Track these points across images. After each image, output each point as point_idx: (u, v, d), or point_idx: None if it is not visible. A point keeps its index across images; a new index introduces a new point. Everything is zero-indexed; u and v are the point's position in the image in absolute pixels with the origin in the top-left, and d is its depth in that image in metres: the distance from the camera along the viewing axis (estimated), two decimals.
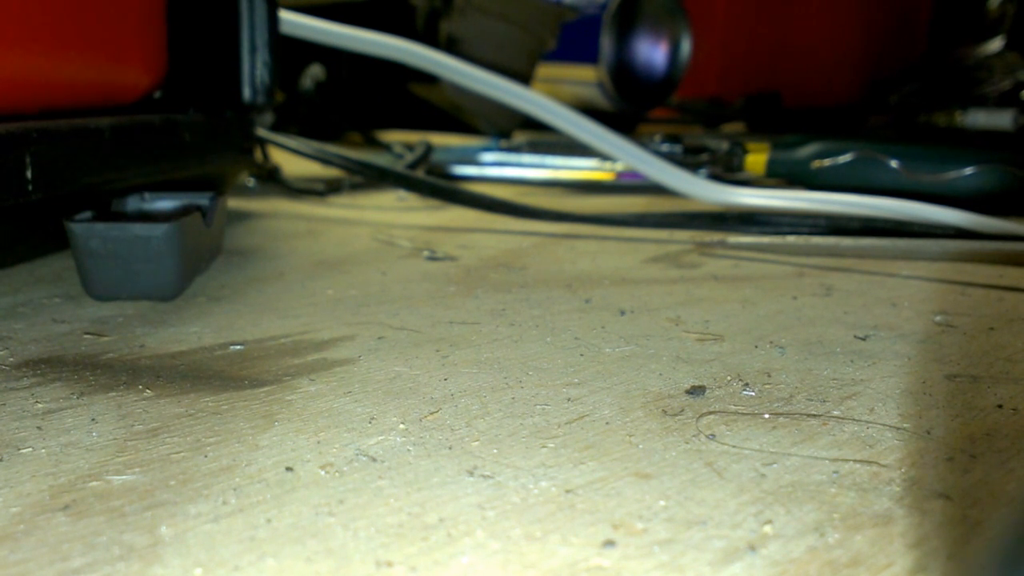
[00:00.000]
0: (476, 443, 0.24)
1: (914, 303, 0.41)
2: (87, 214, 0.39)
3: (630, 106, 1.39)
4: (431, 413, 0.26)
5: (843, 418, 0.26)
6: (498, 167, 0.87)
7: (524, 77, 1.07)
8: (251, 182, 0.78)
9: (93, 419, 0.25)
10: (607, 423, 0.26)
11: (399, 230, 0.59)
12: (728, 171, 0.80)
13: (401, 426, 0.25)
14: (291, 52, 0.99)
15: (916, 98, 1.33)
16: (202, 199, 0.45)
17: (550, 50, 1.14)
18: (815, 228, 0.57)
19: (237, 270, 0.45)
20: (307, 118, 1.04)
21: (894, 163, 0.70)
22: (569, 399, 0.28)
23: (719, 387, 0.29)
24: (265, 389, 0.28)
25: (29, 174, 0.36)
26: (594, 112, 0.95)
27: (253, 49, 0.54)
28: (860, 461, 0.23)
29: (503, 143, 1.03)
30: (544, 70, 1.21)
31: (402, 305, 0.39)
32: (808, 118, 1.54)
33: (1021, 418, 0.26)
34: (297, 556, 0.18)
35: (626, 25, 1.35)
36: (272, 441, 0.24)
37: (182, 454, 0.23)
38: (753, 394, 0.28)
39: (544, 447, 0.24)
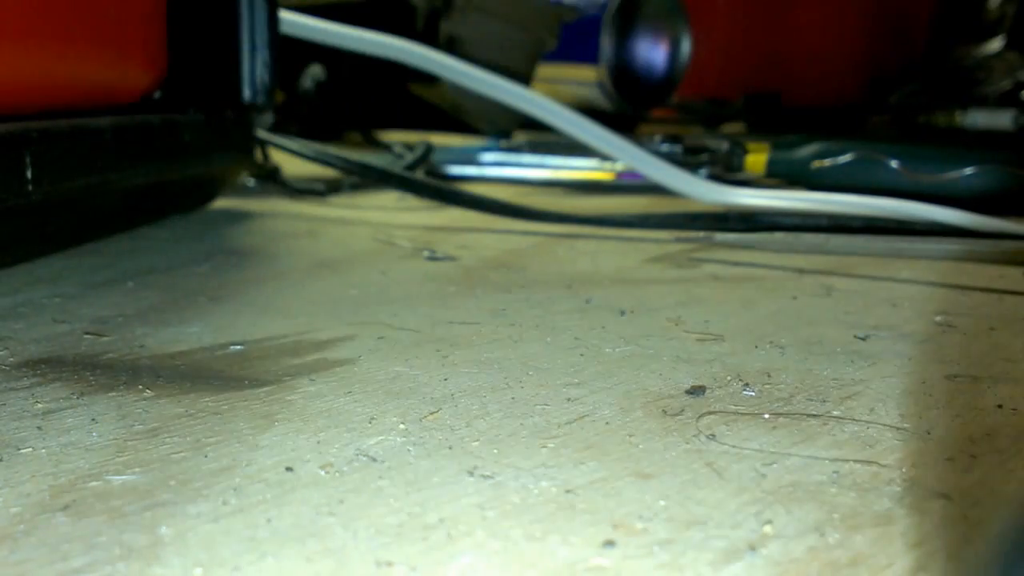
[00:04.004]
0: (476, 443, 0.24)
1: (914, 303, 0.41)
2: None
3: (630, 106, 1.39)
4: (431, 413, 0.26)
5: (843, 418, 0.26)
6: (498, 167, 0.87)
7: (524, 77, 1.07)
8: (251, 182, 0.78)
9: (93, 419, 0.25)
10: (607, 423, 0.26)
11: (399, 230, 0.59)
12: (728, 171, 0.80)
13: (401, 426, 0.25)
14: (291, 52, 0.98)
15: (916, 98, 1.33)
16: None
17: (550, 50, 1.14)
18: (815, 228, 0.57)
19: (237, 270, 0.45)
20: (307, 118, 1.03)
21: (894, 163, 0.70)
22: (569, 399, 0.28)
23: (719, 387, 0.29)
24: (265, 389, 0.28)
25: (29, 174, 0.36)
26: (594, 112, 0.95)
27: (253, 49, 0.54)
28: (860, 461, 0.23)
29: (503, 143, 1.03)
30: (544, 70, 1.20)
31: (402, 305, 0.39)
32: (808, 118, 1.54)
33: (1021, 418, 0.26)
34: (297, 556, 0.18)
35: (626, 25, 1.35)
36: (272, 441, 0.24)
37: (182, 454, 0.23)
38: (753, 394, 0.28)
39: (544, 447, 0.24)
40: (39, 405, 0.26)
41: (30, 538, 0.19)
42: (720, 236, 0.53)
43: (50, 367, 0.30)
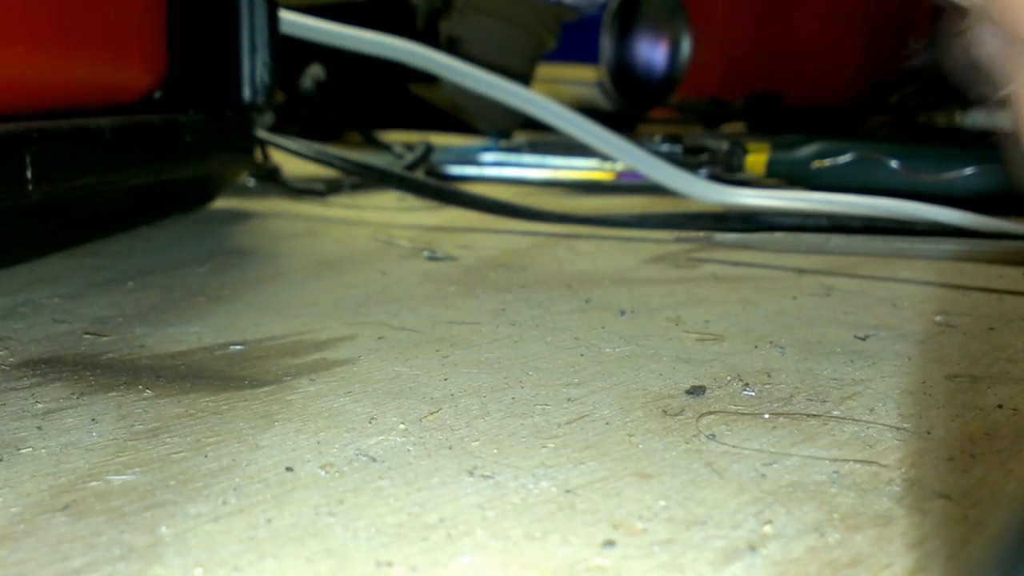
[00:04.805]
0: (476, 443, 0.24)
1: (914, 303, 0.41)
2: None
3: (630, 106, 1.39)
4: (431, 413, 0.26)
5: (843, 418, 0.26)
6: (498, 167, 0.87)
7: (524, 77, 1.07)
8: (251, 182, 0.78)
9: (93, 419, 0.25)
10: (607, 423, 0.26)
11: (399, 230, 0.59)
12: (728, 171, 0.80)
13: (401, 426, 0.25)
14: (291, 52, 0.99)
15: (916, 98, 1.33)
16: None
17: (550, 50, 1.14)
18: (815, 228, 0.57)
19: (237, 270, 0.45)
20: (307, 118, 1.03)
21: (894, 163, 0.70)
22: (569, 399, 0.28)
23: (719, 387, 0.29)
24: (265, 389, 0.28)
25: (29, 174, 0.36)
26: (594, 112, 0.95)
27: (253, 49, 0.54)
28: (860, 461, 0.23)
29: (503, 143, 1.03)
30: (544, 70, 1.20)
31: (402, 305, 0.39)
32: (808, 118, 1.54)
33: (1021, 418, 0.26)
34: (297, 556, 0.18)
35: (626, 25, 1.35)
36: (272, 441, 0.24)
37: (182, 454, 0.23)
38: (753, 394, 0.28)
39: (544, 447, 0.24)
40: (39, 405, 0.26)
41: (30, 538, 0.19)
42: (720, 236, 0.53)
43: (50, 367, 0.30)
